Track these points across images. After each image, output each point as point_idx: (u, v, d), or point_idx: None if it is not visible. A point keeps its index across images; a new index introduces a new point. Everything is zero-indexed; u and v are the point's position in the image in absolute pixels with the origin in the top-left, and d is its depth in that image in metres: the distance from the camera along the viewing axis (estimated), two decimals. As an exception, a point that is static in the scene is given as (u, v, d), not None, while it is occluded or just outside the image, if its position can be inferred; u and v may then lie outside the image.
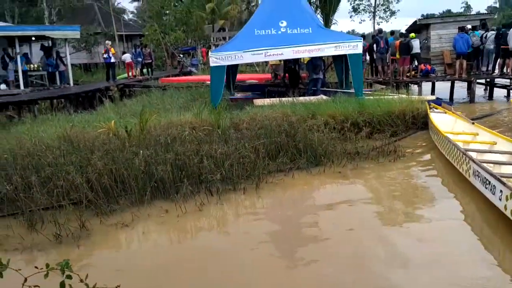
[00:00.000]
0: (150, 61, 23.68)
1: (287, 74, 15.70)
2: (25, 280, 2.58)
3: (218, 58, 11.30)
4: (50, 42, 21.06)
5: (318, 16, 19.98)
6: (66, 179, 5.90)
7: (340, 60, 13.80)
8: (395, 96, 10.85)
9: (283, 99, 11.19)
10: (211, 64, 11.50)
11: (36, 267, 2.56)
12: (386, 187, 6.68)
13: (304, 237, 5.06)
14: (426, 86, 16.18)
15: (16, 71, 18.24)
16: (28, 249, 4.90)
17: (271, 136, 7.57)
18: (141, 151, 6.46)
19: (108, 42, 21.49)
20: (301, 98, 11.45)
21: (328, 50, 11.60)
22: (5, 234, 5.32)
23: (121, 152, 6.56)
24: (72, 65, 22.61)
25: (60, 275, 2.47)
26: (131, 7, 66.34)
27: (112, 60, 20.68)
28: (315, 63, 13.35)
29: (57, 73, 20.12)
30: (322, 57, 13.61)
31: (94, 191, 5.92)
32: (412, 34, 15.81)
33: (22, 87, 17.96)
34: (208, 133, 7.81)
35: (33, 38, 21.14)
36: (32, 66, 21.00)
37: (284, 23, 11.84)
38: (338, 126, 8.74)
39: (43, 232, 5.24)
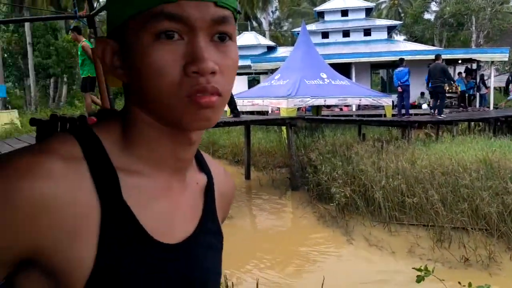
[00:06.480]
0: None
1: None
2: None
3: None
4: (474, 64, 21.14)
5: None
6: (479, 204, 5.79)
7: None
8: None
9: None
10: None
11: (459, 283, 2.68)
12: None
13: None
14: None
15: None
16: (437, 263, 5.07)
17: None
18: None
19: None
20: None
21: None
22: (415, 242, 5.74)
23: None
24: (493, 88, 21.89)
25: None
26: None
27: None
28: None
29: (477, 95, 19.99)
30: None
31: (507, 223, 5.54)
32: None
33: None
34: None
35: (459, 61, 21.82)
36: (453, 88, 21.76)
37: None
38: None
39: (450, 250, 5.34)
